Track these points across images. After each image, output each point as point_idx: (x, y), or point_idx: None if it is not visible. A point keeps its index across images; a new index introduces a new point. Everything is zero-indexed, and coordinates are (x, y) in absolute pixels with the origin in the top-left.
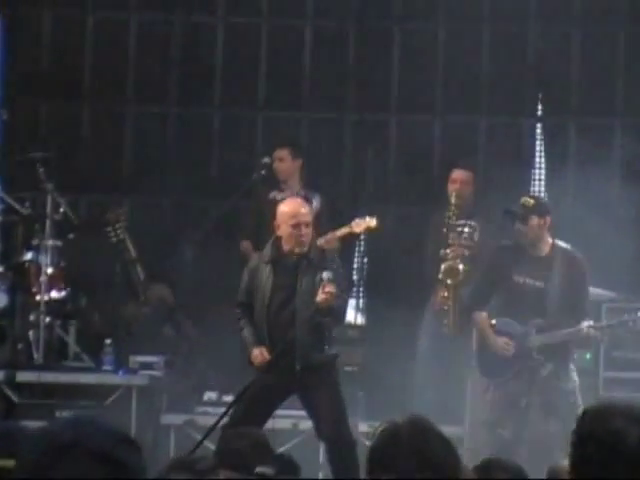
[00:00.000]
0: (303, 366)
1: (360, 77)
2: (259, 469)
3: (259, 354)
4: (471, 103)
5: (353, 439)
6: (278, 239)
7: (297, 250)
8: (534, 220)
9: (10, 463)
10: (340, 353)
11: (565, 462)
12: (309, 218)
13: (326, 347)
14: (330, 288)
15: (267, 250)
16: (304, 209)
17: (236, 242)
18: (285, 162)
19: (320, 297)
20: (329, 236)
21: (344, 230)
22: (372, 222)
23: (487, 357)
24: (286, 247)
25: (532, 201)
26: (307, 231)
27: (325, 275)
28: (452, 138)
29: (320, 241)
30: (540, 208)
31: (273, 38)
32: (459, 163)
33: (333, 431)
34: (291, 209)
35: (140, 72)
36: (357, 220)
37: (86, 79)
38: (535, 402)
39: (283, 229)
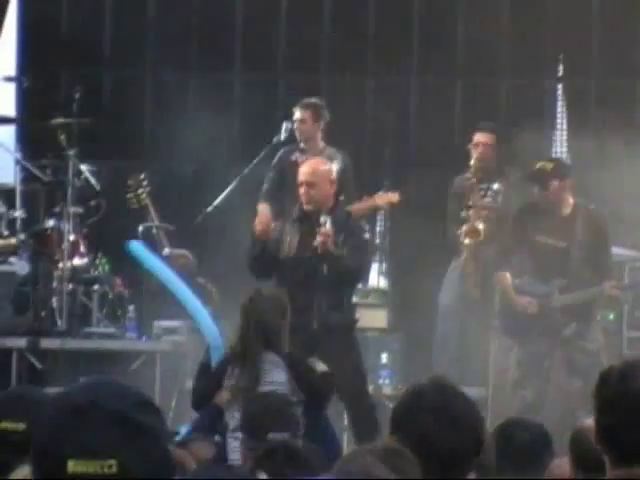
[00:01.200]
0: (320, 326)
1: (379, 41)
2: (271, 435)
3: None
4: (491, 66)
5: (372, 402)
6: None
7: (305, 207)
8: (554, 183)
9: (21, 426)
10: (364, 317)
11: (589, 421)
12: (314, 178)
13: (345, 310)
14: (325, 230)
15: (296, 209)
16: (311, 169)
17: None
18: (306, 123)
19: (317, 240)
20: (353, 209)
21: (367, 204)
22: (394, 197)
23: (510, 317)
24: (304, 207)
25: (550, 165)
26: (309, 190)
27: (322, 219)
28: (473, 100)
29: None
30: (560, 170)
31: (293, 2)
32: (481, 126)
33: (353, 395)
34: (303, 167)
35: (160, 38)
36: (380, 194)
37: (105, 46)
38: (559, 362)
39: (299, 187)
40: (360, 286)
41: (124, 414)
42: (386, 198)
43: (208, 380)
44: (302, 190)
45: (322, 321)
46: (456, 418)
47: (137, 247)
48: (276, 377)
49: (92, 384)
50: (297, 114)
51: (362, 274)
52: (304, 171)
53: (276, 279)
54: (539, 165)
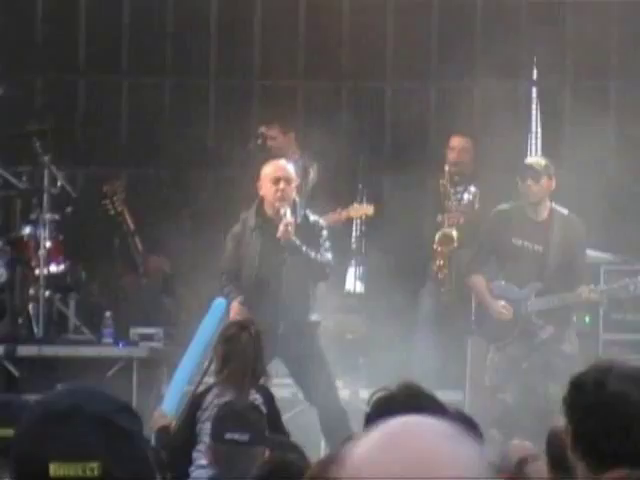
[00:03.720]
0: (286, 327)
1: (355, 45)
2: (228, 435)
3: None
4: (465, 68)
5: (342, 406)
6: (261, 202)
7: (277, 205)
8: (544, 180)
9: (9, 432)
10: (341, 321)
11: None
12: (290, 175)
13: (310, 313)
14: (287, 220)
15: (251, 215)
16: (286, 166)
17: (234, 212)
18: (277, 139)
19: (279, 231)
20: (325, 220)
21: (341, 215)
22: (369, 209)
23: (486, 321)
24: (269, 209)
25: (543, 162)
26: (286, 187)
27: (282, 210)
28: (448, 104)
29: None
30: (550, 169)
31: (268, 7)
32: (456, 130)
33: (322, 400)
34: (272, 166)
35: (135, 43)
36: (355, 205)
37: (81, 51)
38: (535, 365)
39: (265, 187)
40: (337, 290)
41: (106, 418)
42: (361, 210)
43: (180, 434)
44: (280, 186)
45: (288, 323)
46: None
47: (219, 307)
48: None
49: (74, 389)
50: (266, 133)
51: (325, 270)
52: (279, 167)
53: (244, 289)
54: (532, 160)
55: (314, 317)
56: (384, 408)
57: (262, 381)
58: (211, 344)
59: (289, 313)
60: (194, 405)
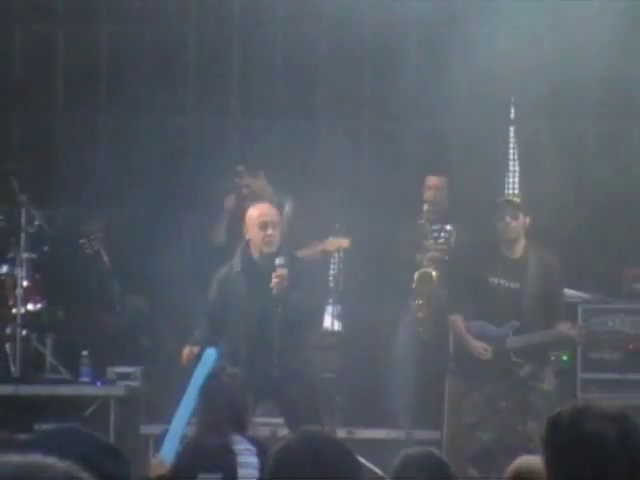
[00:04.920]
0: (280, 373)
1: (330, 86)
2: (201, 476)
3: (188, 352)
4: (443, 109)
5: None
6: (247, 245)
7: (265, 250)
8: (520, 217)
9: None
10: (318, 359)
11: (524, 459)
12: (276, 218)
13: (302, 353)
14: (281, 272)
15: (237, 259)
16: (271, 210)
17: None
18: (251, 186)
19: (273, 281)
20: (301, 253)
21: (316, 249)
22: (345, 243)
23: (465, 360)
24: (255, 253)
25: (519, 199)
26: (274, 232)
27: (277, 261)
28: (425, 143)
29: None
30: (525, 206)
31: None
32: (433, 169)
33: None
34: (258, 210)
35: (112, 83)
36: (331, 239)
37: (58, 91)
38: (514, 404)
39: (251, 231)
40: (314, 329)
41: (92, 461)
42: (337, 244)
43: None
44: (268, 231)
45: (281, 368)
46: (330, 466)
47: (210, 356)
48: (248, 459)
49: (58, 432)
50: (239, 183)
51: (315, 316)
52: (262, 212)
53: (230, 333)
54: (507, 197)
55: (307, 360)
56: (282, 459)
57: (253, 431)
58: None
59: (283, 360)
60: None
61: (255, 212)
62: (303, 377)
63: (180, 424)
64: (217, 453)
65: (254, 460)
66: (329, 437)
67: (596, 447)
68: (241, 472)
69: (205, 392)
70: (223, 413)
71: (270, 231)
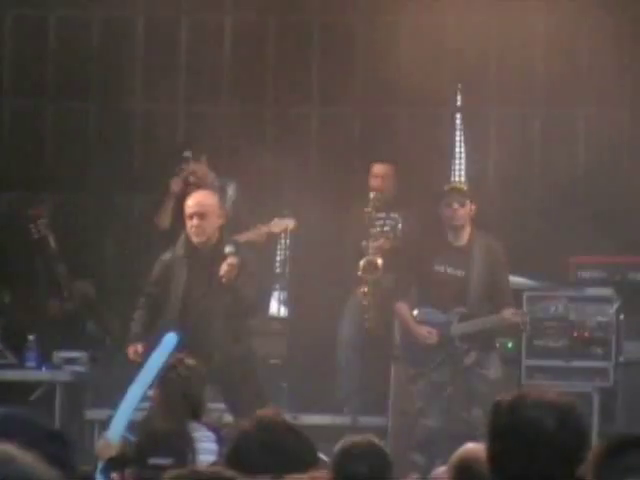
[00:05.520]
0: (222, 358)
1: (280, 71)
2: (152, 461)
3: (133, 351)
4: (391, 95)
5: None
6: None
7: (195, 239)
8: (466, 205)
9: None
10: (264, 345)
11: (470, 446)
12: (209, 208)
13: (244, 341)
14: (232, 260)
15: (180, 243)
16: (206, 199)
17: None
18: (196, 172)
19: (222, 270)
20: (245, 236)
21: (262, 230)
22: (290, 224)
23: (411, 347)
24: (194, 240)
25: (464, 186)
26: (201, 222)
27: (227, 249)
28: (372, 131)
29: (240, 238)
30: (471, 194)
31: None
32: (379, 156)
33: None
34: (191, 200)
35: (60, 69)
36: (276, 220)
37: (5, 76)
38: (459, 391)
39: (186, 220)
40: (260, 314)
41: (39, 447)
42: (282, 225)
43: None
44: (193, 222)
45: (223, 353)
46: (288, 452)
47: (170, 341)
48: (208, 445)
49: (4, 417)
50: (186, 170)
51: (258, 304)
52: (193, 203)
53: (170, 316)
54: (454, 184)
55: (248, 346)
56: (241, 445)
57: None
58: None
59: (220, 345)
60: None
61: (189, 202)
62: (244, 363)
63: (130, 406)
64: (170, 439)
65: (213, 446)
66: (284, 423)
67: (533, 432)
68: (201, 458)
69: (162, 383)
70: (179, 403)
71: (196, 221)
